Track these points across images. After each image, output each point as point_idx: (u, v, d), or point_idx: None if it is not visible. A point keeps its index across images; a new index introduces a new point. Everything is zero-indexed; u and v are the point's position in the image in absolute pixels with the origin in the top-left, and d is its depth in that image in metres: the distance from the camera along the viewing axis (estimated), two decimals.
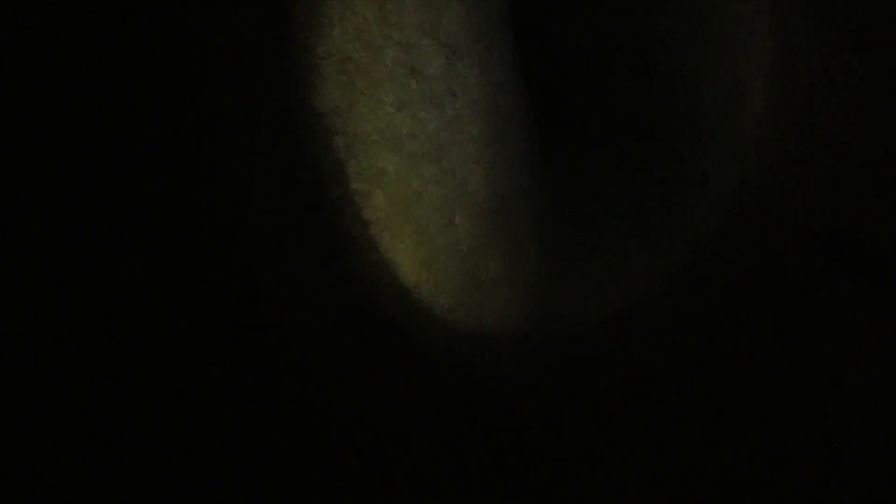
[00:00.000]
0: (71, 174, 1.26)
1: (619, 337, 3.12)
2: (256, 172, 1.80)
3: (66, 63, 1.26)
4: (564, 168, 5.72)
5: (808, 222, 2.89)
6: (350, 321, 2.08)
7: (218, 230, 1.60)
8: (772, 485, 2.17)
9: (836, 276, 2.65)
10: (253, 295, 1.67)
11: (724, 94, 3.65)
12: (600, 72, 5.34)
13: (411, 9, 2.86)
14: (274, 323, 1.75)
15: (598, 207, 4.57)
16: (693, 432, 2.48)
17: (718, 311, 3.02)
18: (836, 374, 2.43)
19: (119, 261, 1.27)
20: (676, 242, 3.64)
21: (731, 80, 3.45)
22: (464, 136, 3.37)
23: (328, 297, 2.02)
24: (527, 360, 3.00)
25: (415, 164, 2.74)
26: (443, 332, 2.60)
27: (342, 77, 2.33)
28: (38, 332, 1.15)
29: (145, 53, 1.32)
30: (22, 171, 1.14)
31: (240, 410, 1.49)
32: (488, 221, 3.51)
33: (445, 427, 2.30)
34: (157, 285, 1.38)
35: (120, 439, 1.25)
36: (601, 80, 5.36)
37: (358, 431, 1.89)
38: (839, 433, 2.25)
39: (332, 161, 2.23)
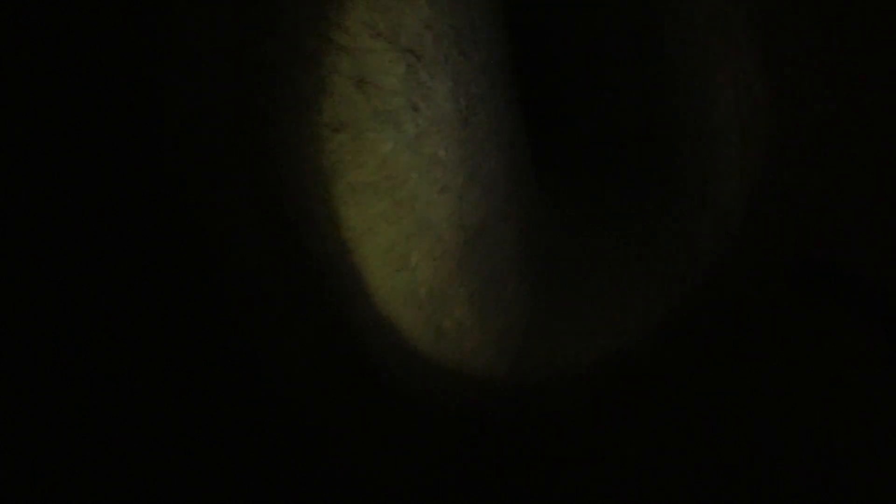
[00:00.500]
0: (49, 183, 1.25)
1: (618, 374, 2.92)
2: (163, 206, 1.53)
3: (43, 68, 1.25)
4: (559, 182, 5.67)
5: (803, 244, 2.79)
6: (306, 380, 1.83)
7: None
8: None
9: (820, 299, 2.64)
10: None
11: (731, 110, 3.47)
12: (602, 74, 5.25)
13: (361, 5, 2.29)
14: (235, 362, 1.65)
15: (596, 225, 4.41)
16: (695, 445, 2.38)
17: (718, 338, 2.89)
18: (826, 391, 2.40)
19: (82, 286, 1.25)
20: (680, 261, 3.53)
21: (740, 98, 3.25)
22: (427, 160, 2.79)
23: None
24: (498, 417, 2.72)
25: (359, 198, 2.14)
26: (398, 388, 2.23)
27: None
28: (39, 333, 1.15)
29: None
30: None
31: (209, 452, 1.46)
32: (454, 259, 2.93)
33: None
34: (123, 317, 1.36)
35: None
36: (603, 81, 5.28)
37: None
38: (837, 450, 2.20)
39: (246, 201, 1.67)
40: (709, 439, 2.34)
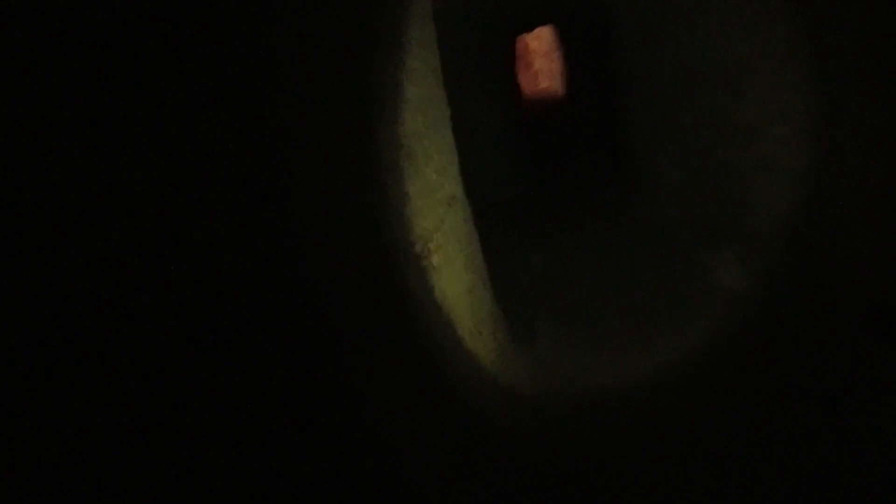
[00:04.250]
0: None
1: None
2: None
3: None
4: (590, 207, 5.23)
5: (857, 292, 2.66)
6: None
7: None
8: None
9: (885, 351, 2.47)
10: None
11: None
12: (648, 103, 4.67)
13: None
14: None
15: (629, 266, 4.07)
16: None
17: (761, 386, 2.74)
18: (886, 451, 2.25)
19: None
20: (715, 309, 3.36)
21: (783, 137, 3.16)
22: None
23: None
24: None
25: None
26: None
27: None
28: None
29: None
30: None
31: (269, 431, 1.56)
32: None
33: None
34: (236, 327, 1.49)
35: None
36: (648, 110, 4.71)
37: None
38: None
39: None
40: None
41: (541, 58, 12.11)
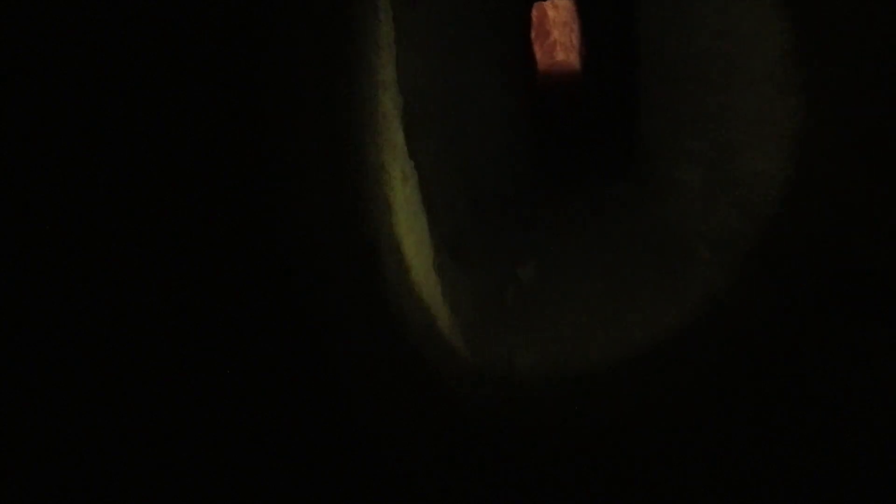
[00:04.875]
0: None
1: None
2: None
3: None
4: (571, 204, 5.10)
5: (830, 264, 2.77)
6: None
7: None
8: None
9: (860, 319, 2.56)
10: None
11: (752, 135, 3.31)
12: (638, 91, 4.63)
13: None
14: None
15: (610, 253, 4.01)
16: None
17: (736, 360, 2.76)
18: (861, 421, 2.25)
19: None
20: (693, 286, 3.34)
21: (761, 119, 3.16)
22: None
23: None
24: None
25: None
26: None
27: None
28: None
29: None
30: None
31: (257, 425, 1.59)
32: None
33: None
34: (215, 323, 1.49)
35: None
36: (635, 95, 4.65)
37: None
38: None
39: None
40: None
41: (559, 28, 11.50)
